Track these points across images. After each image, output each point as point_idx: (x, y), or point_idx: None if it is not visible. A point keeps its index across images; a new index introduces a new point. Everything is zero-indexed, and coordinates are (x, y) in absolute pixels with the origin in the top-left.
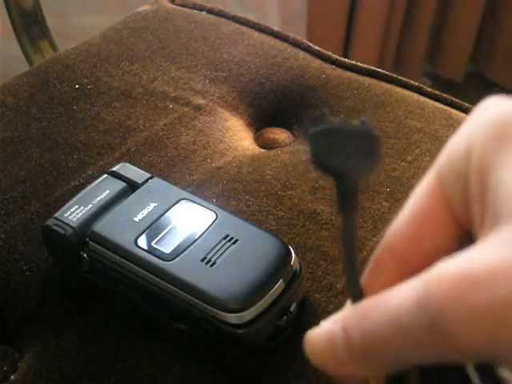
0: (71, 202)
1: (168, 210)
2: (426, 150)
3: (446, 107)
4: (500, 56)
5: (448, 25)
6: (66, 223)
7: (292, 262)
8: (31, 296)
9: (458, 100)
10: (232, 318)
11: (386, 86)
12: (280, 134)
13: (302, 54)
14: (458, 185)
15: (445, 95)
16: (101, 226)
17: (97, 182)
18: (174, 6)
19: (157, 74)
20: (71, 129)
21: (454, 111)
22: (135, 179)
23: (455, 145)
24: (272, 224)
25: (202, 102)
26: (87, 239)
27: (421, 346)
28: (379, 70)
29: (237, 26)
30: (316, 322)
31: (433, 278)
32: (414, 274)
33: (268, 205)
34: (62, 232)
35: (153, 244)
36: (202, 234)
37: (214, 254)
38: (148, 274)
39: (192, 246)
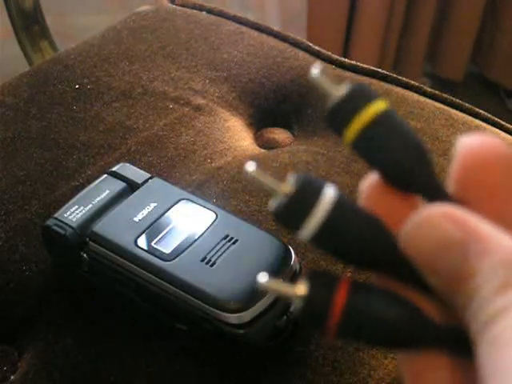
0: (71, 202)
1: (168, 210)
2: None
3: (446, 107)
4: (500, 56)
5: (448, 25)
6: (65, 223)
7: (292, 262)
8: (31, 296)
9: (458, 100)
10: (232, 318)
11: (386, 86)
12: (280, 134)
13: (302, 54)
14: None
15: (445, 95)
16: (101, 226)
17: (97, 182)
18: (174, 6)
19: (157, 73)
20: (71, 129)
21: (453, 111)
22: (135, 179)
23: None
24: (272, 224)
25: (201, 102)
26: (87, 239)
27: None
28: (379, 70)
29: (237, 26)
30: None
31: None
32: None
33: (268, 205)
34: (62, 232)
35: (153, 244)
36: (202, 234)
37: (213, 254)
38: (148, 274)
39: (192, 246)
